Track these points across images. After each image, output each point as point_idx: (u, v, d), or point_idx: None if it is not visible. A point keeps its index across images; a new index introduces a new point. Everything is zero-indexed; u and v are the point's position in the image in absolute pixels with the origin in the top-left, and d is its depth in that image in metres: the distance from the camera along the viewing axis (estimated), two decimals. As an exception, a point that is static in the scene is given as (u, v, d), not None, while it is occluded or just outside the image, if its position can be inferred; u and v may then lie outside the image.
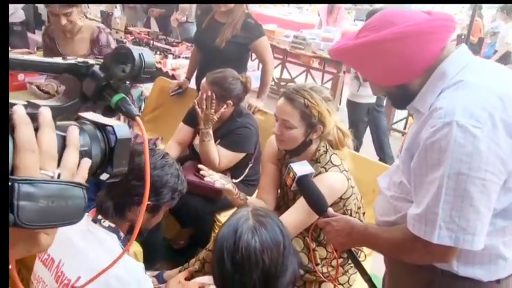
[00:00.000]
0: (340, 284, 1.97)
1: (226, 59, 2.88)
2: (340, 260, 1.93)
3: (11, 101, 0.51)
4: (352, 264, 1.99)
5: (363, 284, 1.69)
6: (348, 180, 1.80)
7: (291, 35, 6.40)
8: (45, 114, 0.50)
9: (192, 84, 3.36)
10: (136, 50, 0.62)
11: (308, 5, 11.69)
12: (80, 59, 0.62)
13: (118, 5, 5.87)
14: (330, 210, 1.47)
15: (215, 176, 1.85)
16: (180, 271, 1.93)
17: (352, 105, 4.24)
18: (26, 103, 0.53)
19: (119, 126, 0.59)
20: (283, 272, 1.10)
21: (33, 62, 0.55)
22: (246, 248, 1.08)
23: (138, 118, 0.62)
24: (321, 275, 1.77)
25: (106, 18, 4.20)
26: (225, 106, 2.31)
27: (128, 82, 0.64)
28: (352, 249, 1.51)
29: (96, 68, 0.62)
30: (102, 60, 0.63)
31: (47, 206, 0.46)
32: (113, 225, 1.39)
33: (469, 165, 1.05)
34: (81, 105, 0.63)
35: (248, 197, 1.89)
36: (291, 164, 1.54)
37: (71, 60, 0.61)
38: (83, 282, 1.25)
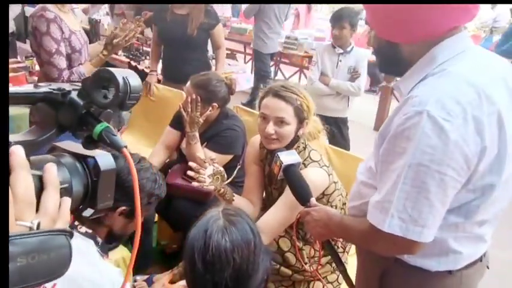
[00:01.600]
0: (329, 282, 1.96)
1: (196, 46, 3.34)
2: (328, 258, 1.93)
3: None
4: (340, 262, 1.99)
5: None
6: (329, 175, 1.79)
7: (283, 36, 6.40)
8: (18, 153, 0.44)
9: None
10: (119, 73, 0.55)
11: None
12: (55, 86, 0.55)
13: (108, 12, 5.88)
14: (313, 200, 1.48)
15: (207, 171, 1.78)
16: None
17: None
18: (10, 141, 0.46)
19: (102, 157, 0.54)
20: (255, 271, 1.10)
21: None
22: (217, 247, 1.08)
23: (125, 150, 0.56)
24: (307, 267, 1.76)
25: (94, 25, 4.21)
26: (210, 109, 2.31)
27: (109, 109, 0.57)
28: (332, 241, 1.52)
29: (74, 94, 0.54)
30: (79, 85, 0.56)
31: (27, 263, 0.41)
32: (89, 231, 1.38)
33: (432, 158, 1.04)
34: (57, 137, 0.56)
35: (235, 195, 1.88)
36: (278, 153, 1.55)
37: (44, 87, 0.54)
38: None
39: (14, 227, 0.41)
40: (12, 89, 0.50)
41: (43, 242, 0.42)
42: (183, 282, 1.64)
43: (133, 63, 4.04)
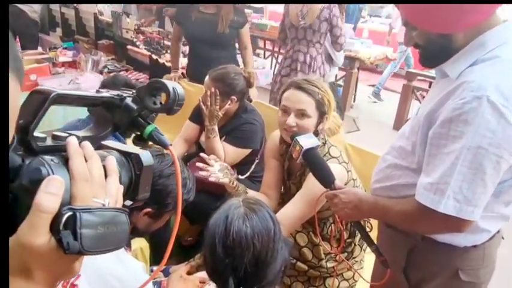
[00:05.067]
0: (345, 279, 1.96)
1: (226, 44, 3.30)
2: (344, 255, 1.92)
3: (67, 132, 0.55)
4: (357, 259, 1.98)
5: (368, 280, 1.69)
6: (348, 172, 1.78)
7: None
8: (90, 147, 0.54)
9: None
10: (169, 84, 0.65)
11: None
12: (114, 92, 0.65)
13: (132, 6, 5.93)
14: (337, 182, 1.48)
15: (214, 168, 1.84)
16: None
17: None
18: (77, 135, 0.56)
19: (144, 154, 0.61)
20: (274, 258, 1.10)
21: (75, 96, 0.59)
22: (237, 232, 1.08)
23: (171, 147, 0.65)
24: (327, 247, 1.76)
25: (117, 18, 4.25)
26: (229, 102, 2.32)
27: (154, 113, 0.67)
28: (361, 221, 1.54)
29: (129, 100, 0.64)
30: (132, 92, 0.66)
31: (104, 232, 0.49)
32: None
33: (490, 141, 1.09)
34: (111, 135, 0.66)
35: (248, 190, 1.89)
36: (297, 137, 1.55)
37: (105, 93, 0.64)
38: (83, 280, 1.28)
39: (91, 203, 0.50)
40: (81, 92, 0.60)
41: (114, 216, 0.51)
42: (200, 274, 1.65)
43: (154, 57, 4.07)
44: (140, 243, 2.07)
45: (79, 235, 0.46)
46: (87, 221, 0.47)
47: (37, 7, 4.75)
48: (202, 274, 1.64)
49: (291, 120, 1.75)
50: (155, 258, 2.21)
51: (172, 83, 0.66)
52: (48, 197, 0.46)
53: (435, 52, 1.27)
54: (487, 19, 1.17)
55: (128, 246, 1.48)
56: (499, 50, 1.17)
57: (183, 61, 3.83)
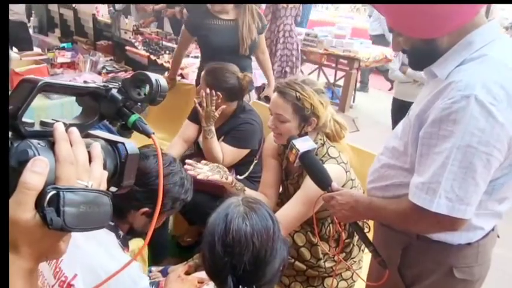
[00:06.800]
0: (343, 279, 1.96)
1: (252, 52, 3.09)
2: (343, 255, 1.92)
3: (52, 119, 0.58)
4: (355, 259, 1.98)
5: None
6: (346, 172, 1.78)
7: (303, 33, 6.36)
8: (77, 132, 0.57)
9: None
10: (152, 76, 0.69)
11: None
12: (100, 83, 0.68)
13: (131, 6, 5.93)
14: (334, 184, 1.49)
15: (203, 169, 1.85)
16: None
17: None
18: (64, 122, 0.59)
19: (129, 143, 0.64)
20: (273, 257, 1.10)
21: (62, 85, 0.62)
22: (237, 231, 1.09)
23: (153, 136, 0.68)
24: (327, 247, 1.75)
25: (115, 18, 4.24)
26: (215, 98, 2.25)
27: (139, 104, 0.71)
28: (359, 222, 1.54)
29: (114, 91, 0.68)
30: (118, 83, 0.69)
31: (86, 211, 0.52)
32: (112, 223, 1.39)
33: (479, 139, 1.09)
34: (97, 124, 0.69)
35: (246, 189, 1.89)
36: (293, 141, 1.56)
37: (92, 84, 0.67)
38: (79, 279, 1.27)
39: (75, 184, 0.53)
40: (68, 82, 0.63)
41: (96, 197, 0.54)
42: (198, 274, 1.65)
43: (152, 57, 4.06)
44: (138, 244, 2.06)
45: (62, 212, 0.49)
46: (70, 199, 0.50)
47: (18, 8, 4.72)
48: (201, 274, 1.64)
49: (270, 123, 1.83)
50: (154, 259, 2.21)
51: (156, 75, 0.69)
52: (34, 175, 0.49)
53: (422, 56, 1.28)
54: (471, 20, 1.18)
55: (126, 246, 1.48)
56: (486, 49, 1.17)
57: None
